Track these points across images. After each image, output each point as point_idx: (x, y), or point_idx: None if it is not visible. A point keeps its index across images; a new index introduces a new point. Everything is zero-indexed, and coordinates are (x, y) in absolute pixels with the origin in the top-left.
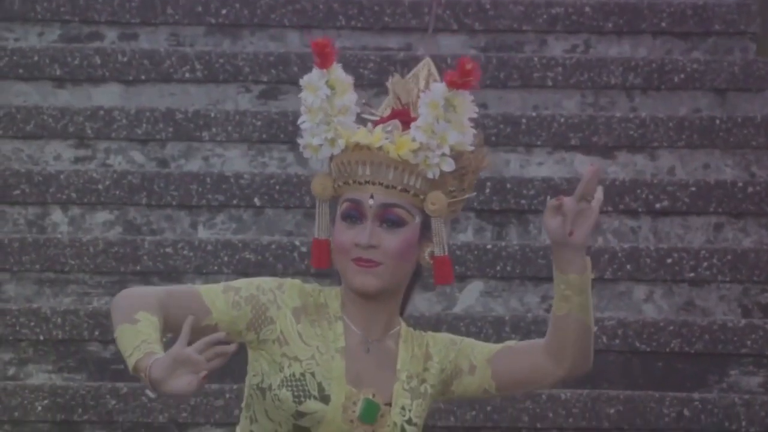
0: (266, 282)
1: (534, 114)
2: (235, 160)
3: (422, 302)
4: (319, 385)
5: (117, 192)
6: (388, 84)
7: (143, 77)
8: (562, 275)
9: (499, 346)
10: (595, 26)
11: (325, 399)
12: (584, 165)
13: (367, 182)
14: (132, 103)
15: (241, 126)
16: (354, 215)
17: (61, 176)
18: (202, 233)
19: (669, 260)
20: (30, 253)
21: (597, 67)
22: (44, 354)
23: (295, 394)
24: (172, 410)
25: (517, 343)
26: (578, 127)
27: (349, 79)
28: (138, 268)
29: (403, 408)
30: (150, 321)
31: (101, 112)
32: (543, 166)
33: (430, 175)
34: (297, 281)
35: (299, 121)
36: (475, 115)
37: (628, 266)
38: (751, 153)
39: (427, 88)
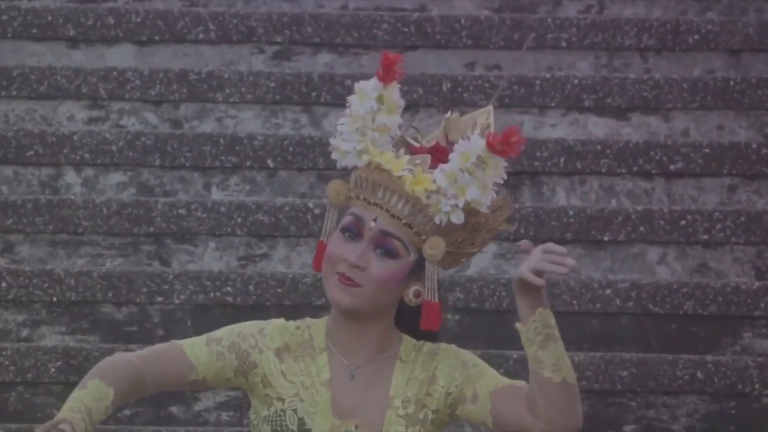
0: (247, 328)
1: (548, 75)
2: (248, 122)
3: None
4: (300, 420)
5: (130, 153)
6: (444, 117)
7: (157, 38)
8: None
9: (505, 382)
10: None
11: None
12: (598, 127)
13: (376, 204)
14: (145, 64)
15: (254, 87)
16: (353, 231)
17: (75, 137)
18: (216, 195)
19: (682, 222)
20: (43, 214)
21: (611, 28)
22: (57, 315)
23: (274, 429)
24: None
25: (524, 386)
26: (592, 89)
27: (401, 103)
28: (151, 229)
29: None
30: (97, 390)
31: (115, 73)
32: (557, 127)
33: (436, 221)
34: (279, 322)
35: (339, 122)
36: (501, 181)
37: (642, 228)
38: (766, 114)
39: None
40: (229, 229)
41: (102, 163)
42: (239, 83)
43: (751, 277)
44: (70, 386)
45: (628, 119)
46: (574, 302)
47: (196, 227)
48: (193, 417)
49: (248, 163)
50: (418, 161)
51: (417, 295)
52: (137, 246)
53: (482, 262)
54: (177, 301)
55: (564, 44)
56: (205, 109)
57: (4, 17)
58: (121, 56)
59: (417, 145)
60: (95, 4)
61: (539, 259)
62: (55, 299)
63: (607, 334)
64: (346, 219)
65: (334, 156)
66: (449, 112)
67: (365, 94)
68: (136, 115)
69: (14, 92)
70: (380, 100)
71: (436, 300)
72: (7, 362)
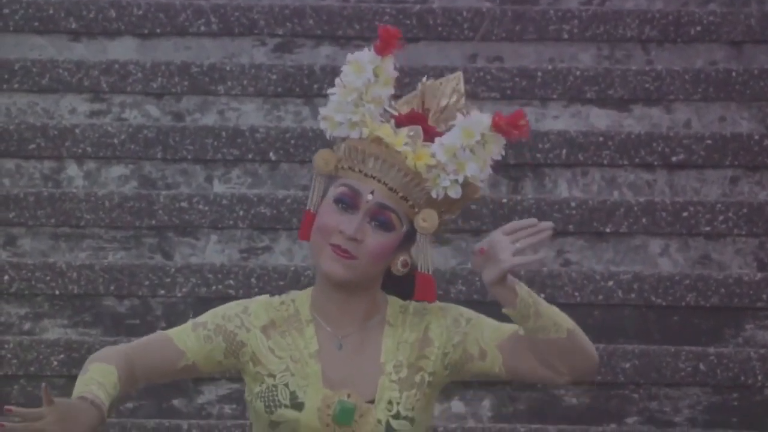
0: (231, 308)
1: (550, 67)
2: (250, 114)
3: (438, 257)
4: (292, 393)
5: (132, 146)
6: (419, 84)
7: (158, 31)
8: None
9: (508, 330)
10: None
11: (297, 406)
12: (600, 118)
13: (372, 177)
14: (147, 57)
15: (256, 80)
16: (347, 202)
17: (77, 130)
18: (218, 187)
19: (685, 214)
20: (45, 207)
21: (613, 20)
22: (60, 309)
23: (267, 404)
24: None
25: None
26: (594, 80)
27: (394, 74)
28: (153, 222)
29: (390, 402)
30: (100, 369)
31: (116, 66)
32: (558, 119)
33: (434, 195)
34: (263, 298)
35: (329, 91)
36: (499, 158)
37: (644, 220)
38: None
39: (457, 104)
40: (231, 222)
41: (104, 156)
42: (241, 76)
43: (753, 268)
44: (73, 379)
45: (630, 111)
46: (576, 294)
47: (198, 220)
48: (195, 410)
49: (250, 156)
50: (411, 133)
51: (404, 265)
52: (139, 239)
53: None
54: (179, 294)
55: (566, 36)
56: (207, 102)
57: (6, 10)
58: (123, 49)
59: (395, 113)
60: None
61: (511, 242)
62: (57, 292)
63: (610, 326)
64: (340, 190)
65: (323, 126)
66: (425, 78)
67: (361, 65)
68: (137, 108)
69: (16, 85)
70: (376, 72)
71: (431, 272)
72: (9, 355)
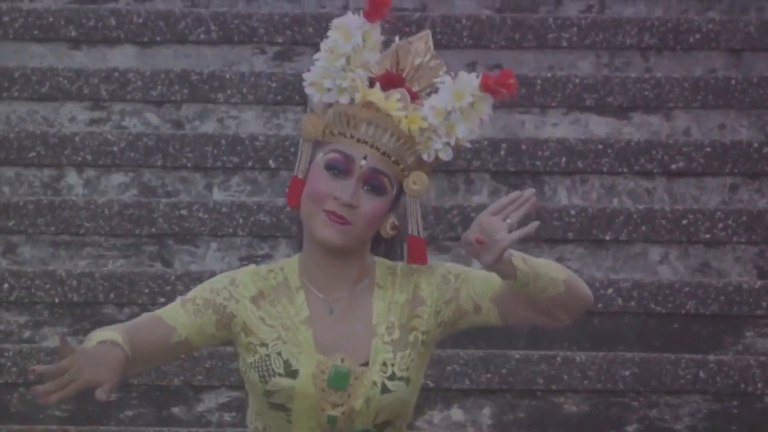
0: (218, 282)
1: (549, 75)
2: (250, 122)
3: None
4: (286, 362)
5: (132, 154)
6: (394, 44)
7: (158, 39)
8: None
9: (499, 281)
10: None
11: (292, 374)
12: (599, 126)
13: (364, 142)
14: (147, 65)
15: (256, 88)
16: (340, 168)
17: (76, 138)
18: (217, 195)
19: (684, 221)
20: (45, 215)
21: (612, 28)
22: (60, 316)
23: (261, 374)
24: (187, 373)
25: None
26: (593, 88)
27: (381, 39)
28: (153, 230)
29: (384, 364)
30: (103, 332)
31: (116, 74)
32: (558, 127)
33: (425, 157)
34: (250, 268)
35: (315, 56)
36: (487, 118)
37: (644, 228)
38: (767, 113)
39: (430, 62)
40: (230, 230)
41: (104, 164)
42: (241, 84)
43: (753, 276)
44: None
45: (630, 118)
46: None
47: (197, 228)
48: (195, 418)
49: (250, 164)
50: (399, 96)
51: (393, 227)
52: (139, 247)
53: None
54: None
55: (565, 44)
56: (207, 110)
57: (6, 18)
58: (123, 57)
59: (371, 74)
60: (96, 5)
61: (502, 220)
62: (57, 300)
63: (609, 334)
64: (331, 156)
65: (309, 91)
66: (397, 38)
67: (349, 31)
68: (137, 116)
69: (16, 93)
70: (364, 37)
71: (421, 235)
72: (9, 363)
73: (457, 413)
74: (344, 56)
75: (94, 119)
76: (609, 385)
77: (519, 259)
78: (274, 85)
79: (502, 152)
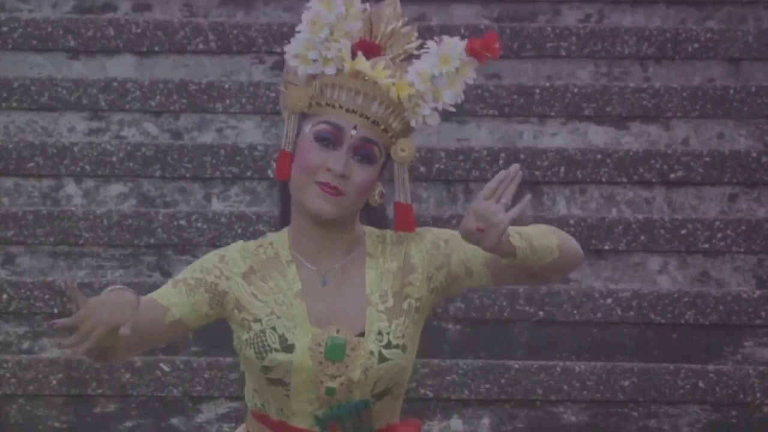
0: (207, 261)
1: (547, 84)
2: (248, 132)
3: None
4: (281, 336)
5: (131, 164)
6: (368, 11)
7: (157, 48)
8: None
9: None
10: None
11: (288, 349)
12: (598, 135)
13: (353, 111)
14: (146, 75)
15: (254, 98)
16: (330, 139)
17: (75, 148)
18: (216, 205)
19: (683, 231)
20: (44, 225)
21: (610, 37)
22: (58, 328)
23: (257, 350)
24: (186, 384)
25: None
26: (592, 98)
27: (362, 7)
28: (152, 240)
29: (380, 333)
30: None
31: (115, 84)
32: (557, 136)
33: (413, 124)
34: (239, 244)
35: (297, 29)
36: (471, 82)
37: (643, 237)
38: (766, 123)
39: (402, 28)
40: (230, 240)
41: (102, 174)
42: (239, 93)
43: (752, 285)
44: (72, 399)
45: (628, 128)
46: (575, 312)
47: (196, 238)
48: (194, 429)
49: (249, 174)
50: (383, 63)
51: (381, 195)
52: (138, 257)
53: None
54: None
55: (563, 53)
56: (206, 120)
57: (5, 29)
58: (122, 67)
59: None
60: (95, 15)
61: (496, 202)
62: (56, 311)
63: (609, 344)
64: (321, 127)
65: (293, 63)
66: (371, 4)
67: (332, 1)
68: (136, 126)
69: (14, 104)
70: (347, 6)
71: (409, 202)
72: (8, 374)
73: (456, 423)
74: (327, 26)
75: (92, 129)
76: (608, 395)
77: (516, 236)
78: (272, 95)
79: (501, 162)
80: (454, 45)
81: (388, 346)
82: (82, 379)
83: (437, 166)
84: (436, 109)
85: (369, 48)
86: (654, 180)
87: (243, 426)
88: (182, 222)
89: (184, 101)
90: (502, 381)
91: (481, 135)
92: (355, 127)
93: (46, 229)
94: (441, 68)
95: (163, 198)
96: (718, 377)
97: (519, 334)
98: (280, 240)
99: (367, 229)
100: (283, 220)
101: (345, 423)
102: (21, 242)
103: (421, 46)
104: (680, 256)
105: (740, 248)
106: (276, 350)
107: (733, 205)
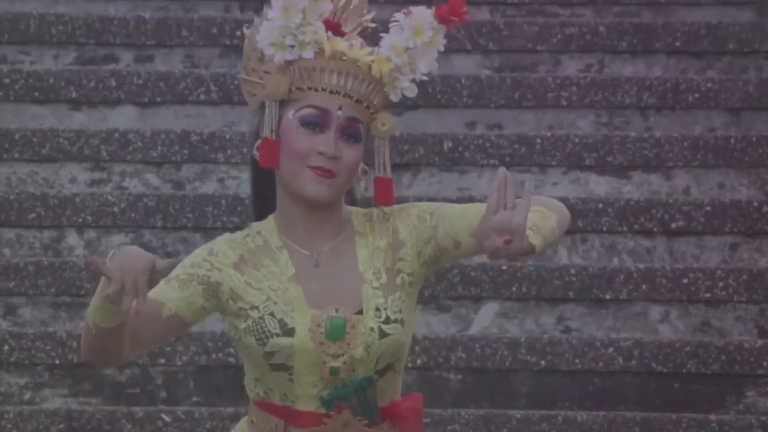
0: (197, 256)
1: (548, 134)
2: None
3: (437, 324)
4: (280, 321)
5: (132, 215)
6: None
7: (158, 99)
8: None
9: (475, 215)
10: (609, 45)
11: (289, 332)
12: (599, 185)
13: (337, 92)
14: (147, 126)
15: None
16: (317, 123)
17: (77, 199)
18: None
19: (685, 280)
20: (46, 276)
21: (611, 87)
22: (60, 378)
23: (258, 337)
24: None
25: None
26: (593, 147)
27: None
28: None
29: (377, 309)
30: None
31: (117, 135)
32: (558, 186)
33: (393, 98)
34: (225, 236)
35: (269, 17)
36: (442, 49)
37: (644, 287)
38: (767, 172)
39: (360, 3)
40: None
41: (104, 224)
42: (241, 144)
43: (754, 335)
44: None
45: (629, 177)
46: (577, 361)
47: None
48: None
49: (250, 224)
50: (354, 41)
51: (364, 172)
52: None
53: (484, 321)
54: (179, 363)
55: (564, 103)
56: (207, 170)
57: (7, 80)
58: (123, 118)
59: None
60: (97, 67)
61: (506, 209)
62: (57, 362)
63: (610, 393)
64: (306, 112)
65: (268, 52)
66: None
67: None
68: (138, 176)
69: (16, 155)
70: None
71: (389, 176)
72: (9, 425)
73: None
74: (300, 11)
75: (94, 180)
76: None
77: (530, 233)
78: None
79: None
80: (424, 15)
81: (387, 321)
82: (83, 429)
83: None
84: (414, 80)
85: (331, 27)
86: (655, 229)
87: (244, 419)
88: None
89: (186, 152)
90: (504, 431)
91: (482, 184)
92: (340, 108)
93: (48, 280)
94: (415, 40)
95: (165, 248)
96: (720, 427)
97: (520, 383)
98: (267, 228)
99: (352, 208)
100: (260, 211)
101: (351, 401)
102: (22, 293)
103: (374, 20)
104: (682, 305)
105: (742, 298)
106: (277, 335)
107: (735, 255)
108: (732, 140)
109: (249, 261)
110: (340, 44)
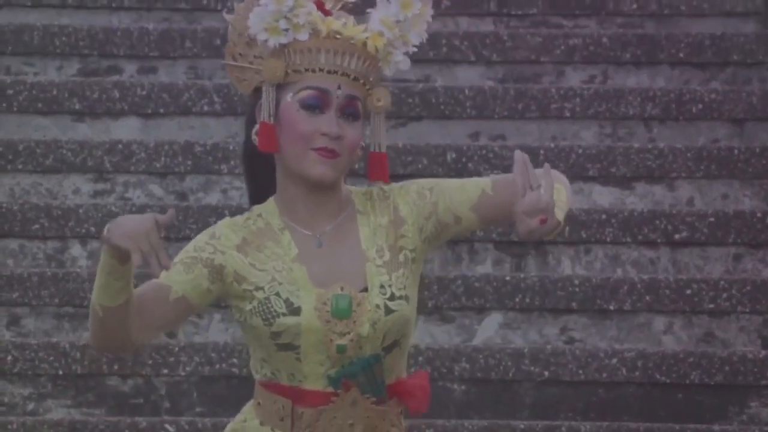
0: (199, 241)
1: (552, 145)
2: None
3: (441, 334)
4: (286, 300)
5: None
6: None
7: (162, 110)
8: None
9: (475, 190)
10: (613, 57)
11: (295, 312)
12: (603, 196)
13: (335, 72)
14: (151, 137)
15: None
16: (317, 104)
17: (80, 210)
18: None
19: (688, 291)
20: (49, 287)
21: (615, 98)
22: (63, 388)
23: (264, 317)
24: None
25: (495, 185)
26: (596, 158)
27: None
28: None
29: (382, 286)
30: None
31: (120, 146)
32: None
33: (388, 72)
34: (226, 220)
35: (262, 2)
36: (430, 20)
37: (648, 297)
38: None
39: None
40: None
41: None
42: None
43: (758, 346)
44: None
45: (633, 188)
46: (580, 372)
47: None
48: None
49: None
50: (345, 20)
51: (362, 149)
52: None
53: (488, 332)
54: (183, 373)
55: (568, 114)
56: (210, 181)
57: (10, 91)
58: (127, 129)
59: None
60: (100, 78)
61: (534, 189)
62: (60, 372)
63: (614, 404)
64: (306, 93)
65: (262, 37)
66: None
67: None
68: (141, 187)
69: (20, 166)
70: None
71: (384, 150)
72: None
73: None
74: None
75: (98, 191)
76: None
77: (558, 211)
78: None
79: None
80: None
81: (392, 298)
82: None
83: None
84: (407, 53)
85: (317, 6)
86: (659, 240)
87: (250, 403)
88: None
89: (189, 163)
90: None
91: None
92: (339, 87)
93: (51, 291)
94: (405, 13)
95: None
96: None
97: (524, 394)
98: (268, 210)
99: (352, 187)
100: (257, 196)
101: (358, 379)
102: (26, 304)
103: None
104: (685, 316)
105: (745, 308)
106: (283, 314)
107: (738, 266)
108: (735, 151)
109: (252, 243)
110: (335, 23)
